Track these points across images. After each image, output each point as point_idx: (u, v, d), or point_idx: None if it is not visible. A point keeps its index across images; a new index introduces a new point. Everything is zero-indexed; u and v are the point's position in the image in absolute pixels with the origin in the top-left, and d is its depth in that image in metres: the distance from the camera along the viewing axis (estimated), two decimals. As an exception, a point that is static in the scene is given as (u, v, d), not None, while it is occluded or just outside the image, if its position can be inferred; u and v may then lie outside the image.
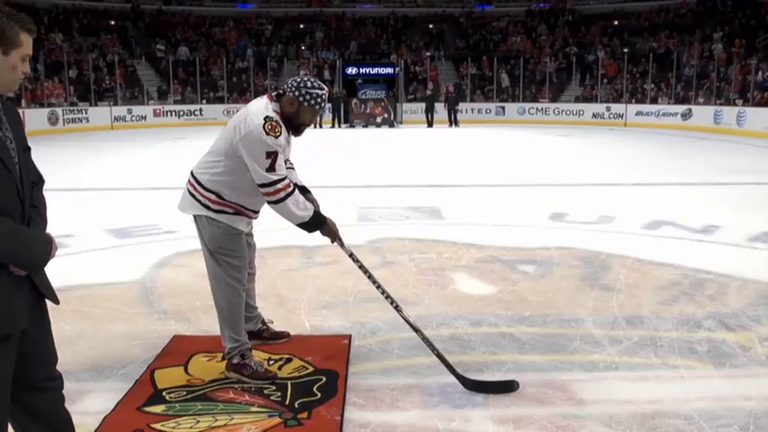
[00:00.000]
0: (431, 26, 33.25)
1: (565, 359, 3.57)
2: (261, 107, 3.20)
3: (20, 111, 2.13)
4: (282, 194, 3.16)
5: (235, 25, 31.93)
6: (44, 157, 13.60)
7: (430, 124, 23.98)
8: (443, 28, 33.06)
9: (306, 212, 3.24)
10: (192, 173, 3.35)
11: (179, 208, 3.41)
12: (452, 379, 3.30)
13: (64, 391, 2.23)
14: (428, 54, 29.93)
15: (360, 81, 26.45)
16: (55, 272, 2.09)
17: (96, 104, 24.78)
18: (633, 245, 6.05)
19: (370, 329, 3.99)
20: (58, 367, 2.20)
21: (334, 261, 5.30)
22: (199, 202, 3.28)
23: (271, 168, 3.13)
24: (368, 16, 33.50)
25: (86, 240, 6.27)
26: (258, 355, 3.47)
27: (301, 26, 32.79)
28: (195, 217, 3.33)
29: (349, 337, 3.84)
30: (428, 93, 25.40)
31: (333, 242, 3.39)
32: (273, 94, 3.27)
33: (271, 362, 3.46)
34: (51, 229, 2.16)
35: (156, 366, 3.43)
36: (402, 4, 34.57)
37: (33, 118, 20.88)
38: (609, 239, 6.28)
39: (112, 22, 30.15)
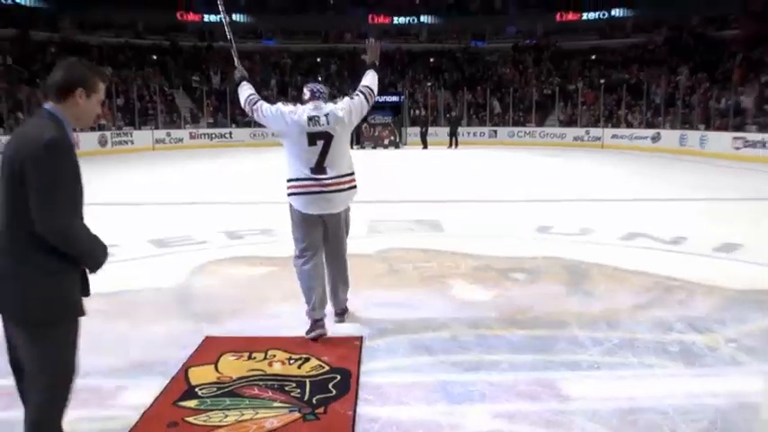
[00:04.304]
0: (431, 60, 33.29)
1: (553, 359, 3.51)
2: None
3: (75, 134, 2.28)
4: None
5: (260, 59, 32.03)
6: (95, 175, 13.72)
7: (425, 146, 23.85)
8: (443, 61, 33.10)
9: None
10: (343, 174, 3.66)
11: (334, 210, 3.71)
12: (452, 377, 3.25)
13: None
14: (429, 84, 29.90)
15: (369, 108, 26.43)
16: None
17: (140, 128, 24.84)
18: (611, 254, 5.98)
19: (379, 331, 3.94)
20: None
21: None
22: (355, 187, 3.77)
23: None
24: (377, 51, 33.51)
25: (131, 249, 6.24)
26: (280, 355, 3.43)
27: (318, 60, 32.92)
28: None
29: (361, 339, 3.79)
30: (422, 116, 25.39)
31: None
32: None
33: (291, 361, 3.42)
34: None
35: (189, 365, 3.39)
36: (406, 41, 34.64)
37: (86, 140, 20.96)
38: (589, 250, 6.19)
39: (154, 57, 30.37)
